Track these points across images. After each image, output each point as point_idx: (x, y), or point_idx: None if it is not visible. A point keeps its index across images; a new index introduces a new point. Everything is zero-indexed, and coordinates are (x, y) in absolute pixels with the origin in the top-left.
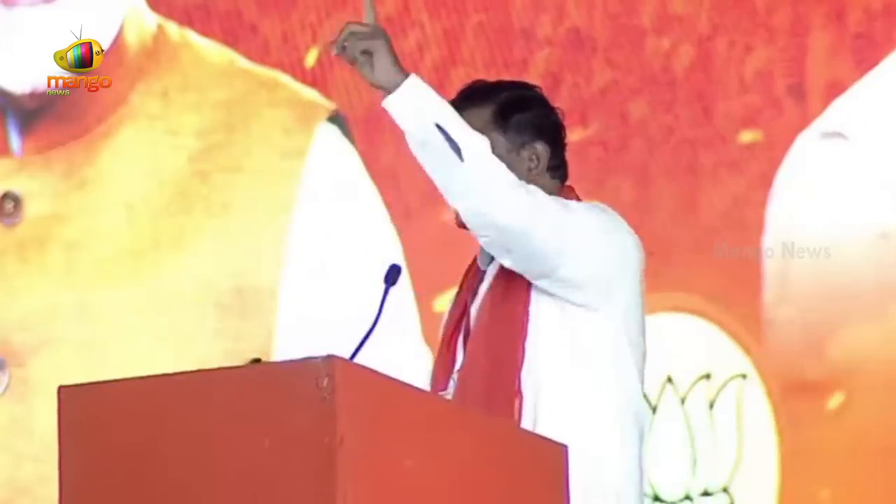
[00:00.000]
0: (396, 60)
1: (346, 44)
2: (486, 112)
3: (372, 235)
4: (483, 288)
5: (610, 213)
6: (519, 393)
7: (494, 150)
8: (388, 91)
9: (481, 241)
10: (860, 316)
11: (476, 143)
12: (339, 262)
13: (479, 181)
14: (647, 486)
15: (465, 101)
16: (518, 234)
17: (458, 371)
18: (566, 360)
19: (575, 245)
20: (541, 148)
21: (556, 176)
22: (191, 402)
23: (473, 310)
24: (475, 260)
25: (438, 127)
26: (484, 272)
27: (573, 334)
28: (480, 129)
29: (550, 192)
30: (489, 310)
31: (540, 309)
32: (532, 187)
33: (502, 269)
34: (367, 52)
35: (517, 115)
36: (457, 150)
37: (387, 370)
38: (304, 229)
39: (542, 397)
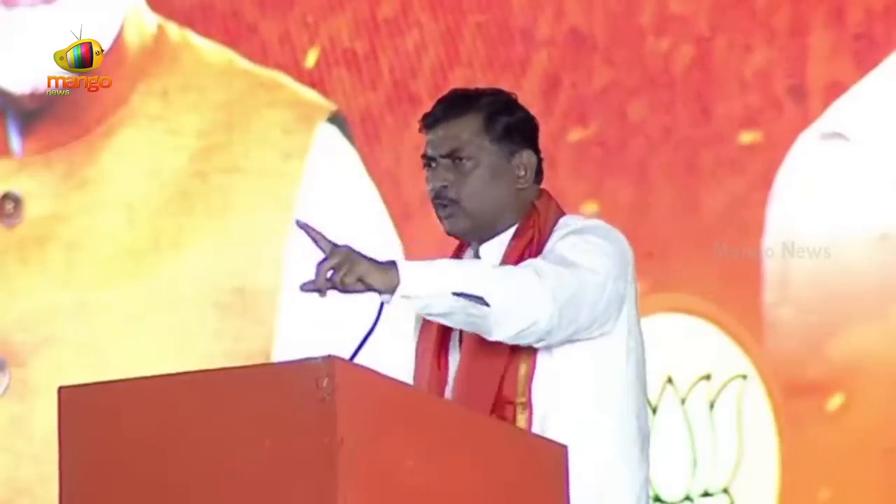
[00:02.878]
0: (375, 263)
1: (332, 283)
2: (475, 120)
3: (372, 235)
4: None
5: (599, 228)
6: (529, 405)
7: (487, 160)
8: (389, 291)
9: (519, 342)
10: (860, 316)
11: (492, 282)
12: None
13: (510, 314)
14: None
15: (450, 111)
16: (550, 328)
17: (455, 379)
18: (577, 370)
19: (593, 298)
20: (528, 156)
21: (537, 181)
22: (191, 403)
23: None
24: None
25: (455, 294)
26: None
27: (584, 344)
28: (471, 138)
29: (532, 200)
30: None
31: None
32: (548, 273)
33: None
34: (358, 278)
35: (504, 120)
36: (479, 300)
37: (387, 371)
38: None
39: (552, 408)
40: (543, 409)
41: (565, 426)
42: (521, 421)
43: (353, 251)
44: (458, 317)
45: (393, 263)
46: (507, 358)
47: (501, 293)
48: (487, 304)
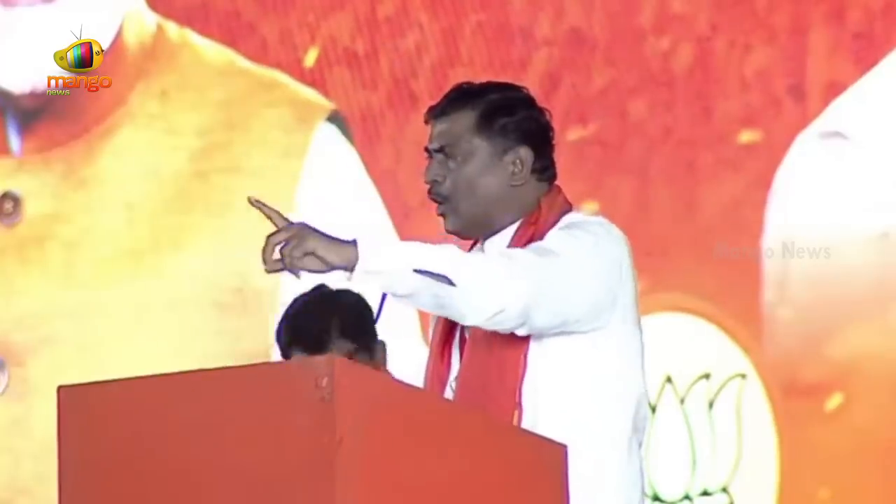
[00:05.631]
0: (332, 238)
1: (281, 258)
2: (468, 117)
3: (371, 235)
4: None
5: (591, 224)
6: (519, 405)
7: (476, 157)
8: (348, 268)
9: (498, 330)
10: (860, 316)
11: (457, 262)
12: None
13: (478, 294)
14: (646, 487)
15: (449, 105)
16: (525, 314)
17: (456, 379)
18: (568, 371)
19: (578, 290)
20: (524, 153)
21: (543, 178)
22: (190, 402)
23: None
24: None
25: (417, 271)
26: None
27: (576, 344)
28: (462, 134)
29: (536, 196)
30: None
31: None
32: (518, 256)
33: None
34: (307, 253)
35: (501, 120)
36: (444, 279)
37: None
38: None
39: (542, 408)
40: (534, 408)
41: (556, 425)
42: (510, 420)
43: (308, 227)
44: (425, 298)
45: (354, 241)
46: (501, 357)
47: (468, 273)
48: (453, 284)
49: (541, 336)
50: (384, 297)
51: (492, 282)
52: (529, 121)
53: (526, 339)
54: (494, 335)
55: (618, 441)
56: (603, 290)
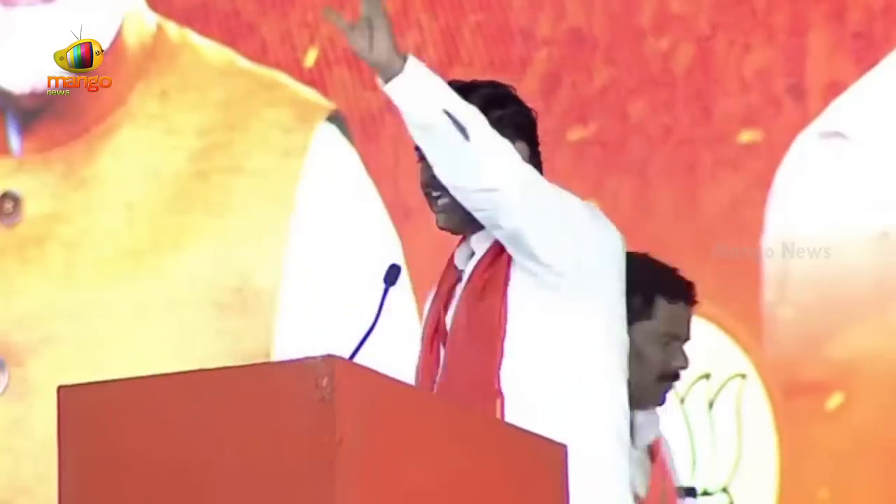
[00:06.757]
0: (395, 41)
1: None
2: None
3: (371, 235)
4: (460, 288)
5: (596, 211)
6: (500, 393)
7: None
8: (385, 72)
9: (477, 215)
10: (860, 315)
11: (481, 123)
12: (338, 262)
13: (483, 159)
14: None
15: None
16: (513, 209)
17: (443, 365)
18: (549, 360)
19: (563, 230)
20: (520, 147)
21: None
22: (190, 402)
23: (451, 310)
24: (451, 259)
25: (445, 112)
26: (461, 271)
27: (555, 333)
28: None
29: None
30: (466, 310)
31: (519, 307)
32: (531, 168)
33: (479, 268)
34: (370, 26)
35: (496, 113)
36: (462, 130)
37: (386, 370)
38: (303, 229)
39: (526, 398)
40: (516, 397)
41: (540, 415)
42: (493, 409)
43: (388, 21)
44: (436, 139)
45: (404, 56)
46: (479, 346)
47: (485, 136)
48: (467, 138)
49: (516, 286)
50: (385, 292)
51: (500, 156)
52: (521, 115)
53: (502, 326)
54: (473, 324)
55: (603, 433)
56: (581, 254)
